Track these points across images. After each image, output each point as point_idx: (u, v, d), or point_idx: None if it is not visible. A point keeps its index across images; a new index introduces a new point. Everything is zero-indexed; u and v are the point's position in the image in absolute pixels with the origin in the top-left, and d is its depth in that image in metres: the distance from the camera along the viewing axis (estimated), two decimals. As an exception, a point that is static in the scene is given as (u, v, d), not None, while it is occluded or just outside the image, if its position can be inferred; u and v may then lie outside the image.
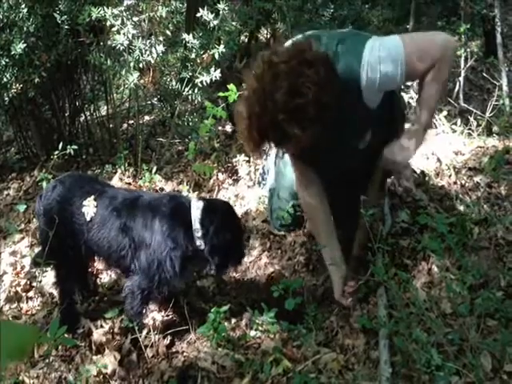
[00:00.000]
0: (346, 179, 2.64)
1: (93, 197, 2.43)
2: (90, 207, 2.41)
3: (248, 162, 4.00)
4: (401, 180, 2.44)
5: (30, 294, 2.94)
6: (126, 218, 2.42)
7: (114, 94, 4.61)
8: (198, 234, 2.39)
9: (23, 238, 3.48)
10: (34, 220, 3.27)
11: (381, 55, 2.12)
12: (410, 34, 2.29)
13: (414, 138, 2.33)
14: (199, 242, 2.40)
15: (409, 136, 2.34)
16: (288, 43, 2.20)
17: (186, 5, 5.72)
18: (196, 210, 2.41)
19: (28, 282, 3.01)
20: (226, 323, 2.49)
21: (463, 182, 3.39)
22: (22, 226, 3.67)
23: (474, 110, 4.33)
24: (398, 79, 2.17)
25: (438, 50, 2.18)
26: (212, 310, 2.32)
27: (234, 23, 3.92)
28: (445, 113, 4.26)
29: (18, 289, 2.97)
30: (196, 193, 3.74)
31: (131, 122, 4.95)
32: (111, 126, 4.70)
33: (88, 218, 2.42)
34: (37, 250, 3.11)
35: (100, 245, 2.46)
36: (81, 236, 2.48)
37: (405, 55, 2.12)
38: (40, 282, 2.90)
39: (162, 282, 2.39)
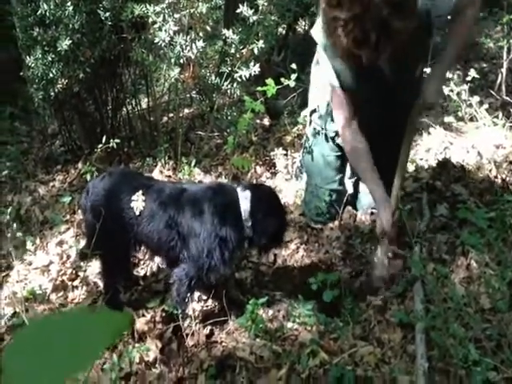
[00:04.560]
0: (384, 126, 2.70)
1: (141, 191, 2.50)
2: (138, 201, 2.48)
3: (285, 155, 4.04)
4: None
5: (76, 283, 3.04)
6: (175, 210, 2.50)
7: (155, 87, 4.70)
8: (248, 223, 2.49)
9: (68, 229, 3.60)
10: (79, 211, 3.37)
11: None
12: None
13: (442, 75, 2.56)
14: (249, 231, 2.51)
15: (440, 71, 2.52)
16: None
17: (225, 0, 5.75)
18: (244, 200, 2.49)
19: (74, 272, 3.12)
20: (263, 315, 2.55)
21: (504, 176, 3.34)
22: (68, 216, 3.79)
23: (517, 103, 4.25)
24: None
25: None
26: (250, 302, 2.37)
27: (272, 18, 3.93)
28: (486, 106, 4.20)
29: (65, 278, 3.07)
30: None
31: (171, 115, 5.03)
32: (152, 119, 4.79)
33: (137, 213, 2.49)
34: (82, 240, 3.23)
35: (150, 237, 2.54)
36: (130, 229, 2.56)
37: None
38: (85, 271, 3.01)
39: (210, 269, 2.47)
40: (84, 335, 0.55)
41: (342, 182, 3.16)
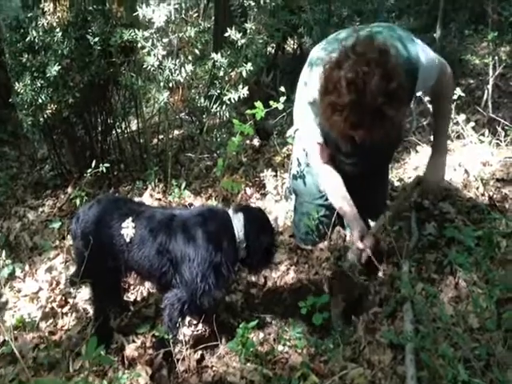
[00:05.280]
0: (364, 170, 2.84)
1: (131, 218, 2.51)
2: (128, 229, 2.49)
3: (275, 176, 4.06)
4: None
5: (65, 309, 3.03)
6: (167, 235, 2.50)
7: (144, 108, 4.72)
8: (243, 245, 2.52)
9: (58, 255, 3.58)
10: (69, 237, 3.37)
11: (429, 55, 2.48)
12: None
13: (443, 162, 2.84)
14: (243, 253, 2.54)
15: (441, 160, 2.84)
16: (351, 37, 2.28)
17: (213, 24, 5.82)
18: (238, 222, 2.52)
19: (63, 298, 3.10)
20: (254, 338, 2.55)
21: (491, 193, 3.37)
22: (57, 242, 3.77)
23: (502, 120, 4.29)
24: (435, 77, 2.56)
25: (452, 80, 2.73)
26: (240, 326, 2.37)
27: (261, 40, 3.97)
28: (472, 123, 4.25)
29: (54, 305, 3.05)
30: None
31: (161, 137, 5.05)
32: (141, 141, 4.80)
33: (128, 240, 2.49)
34: (71, 266, 3.22)
35: (141, 263, 2.53)
36: (121, 256, 2.56)
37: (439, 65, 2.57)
38: (75, 298, 3.00)
39: (205, 294, 2.47)
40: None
41: None
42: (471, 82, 6.35)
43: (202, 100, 4.11)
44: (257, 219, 2.61)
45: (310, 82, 2.53)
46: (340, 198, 2.73)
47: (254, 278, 3.00)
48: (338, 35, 2.59)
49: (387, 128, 2.16)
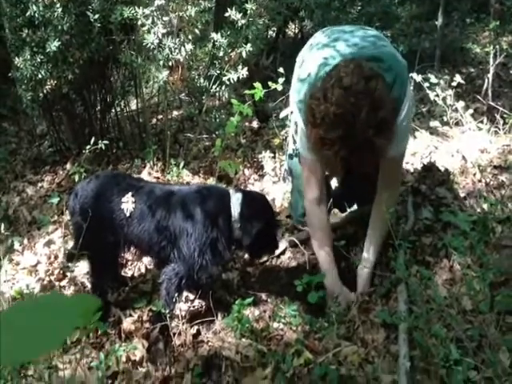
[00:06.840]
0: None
1: (130, 193, 2.52)
2: (128, 203, 2.50)
3: (274, 157, 4.08)
4: None
5: (63, 283, 3.06)
6: (167, 211, 2.52)
7: (144, 89, 4.71)
8: (237, 225, 2.53)
9: (56, 229, 3.60)
10: (67, 212, 3.38)
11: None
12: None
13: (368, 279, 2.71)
14: (238, 232, 2.55)
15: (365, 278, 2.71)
16: (336, 63, 2.23)
17: (214, 4, 5.78)
18: (236, 201, 2.54)
19: (61, 272, 3.13)
20: (249, 315, 2.58)
21: (488, 180, 3.39)
22: (55, 217, 3.79)
23: (501, 109, 4.31)
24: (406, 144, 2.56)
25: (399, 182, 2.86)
26: (236, 302, 2.40)
27: (261, 22, 3.96)
28: (471, 110, 4.26)
29: (52, 278, 3.08)
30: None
31: (160, 116, 5.05)
32: (141, 120, 4.80)
33: (127, 214, 2.51)
34: (70, 241, 3.23)
35: (141, 237, 2.56)
36: (120, 231, 2.57)
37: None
38: (73, 271, 3.02)
39: (201, 269, 2.50)
40: (56, 317, 0.58)
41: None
42: (472, 70, 6.36)
43: (202, 80, 4.10)
44: (254, 202, 2.62)
45: (305, 64, 2.52)
46: (323, 250, 2.71)
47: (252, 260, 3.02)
48: (344, 27, 2.58)
49: (378, 155, 2.15)
